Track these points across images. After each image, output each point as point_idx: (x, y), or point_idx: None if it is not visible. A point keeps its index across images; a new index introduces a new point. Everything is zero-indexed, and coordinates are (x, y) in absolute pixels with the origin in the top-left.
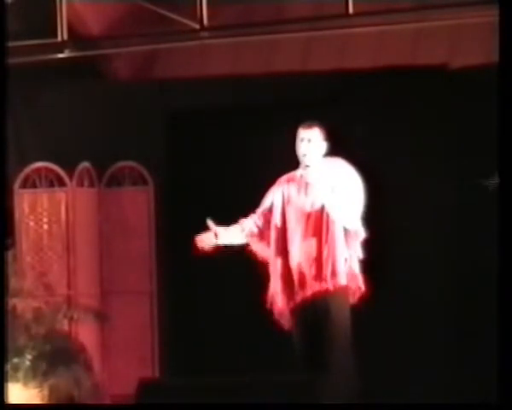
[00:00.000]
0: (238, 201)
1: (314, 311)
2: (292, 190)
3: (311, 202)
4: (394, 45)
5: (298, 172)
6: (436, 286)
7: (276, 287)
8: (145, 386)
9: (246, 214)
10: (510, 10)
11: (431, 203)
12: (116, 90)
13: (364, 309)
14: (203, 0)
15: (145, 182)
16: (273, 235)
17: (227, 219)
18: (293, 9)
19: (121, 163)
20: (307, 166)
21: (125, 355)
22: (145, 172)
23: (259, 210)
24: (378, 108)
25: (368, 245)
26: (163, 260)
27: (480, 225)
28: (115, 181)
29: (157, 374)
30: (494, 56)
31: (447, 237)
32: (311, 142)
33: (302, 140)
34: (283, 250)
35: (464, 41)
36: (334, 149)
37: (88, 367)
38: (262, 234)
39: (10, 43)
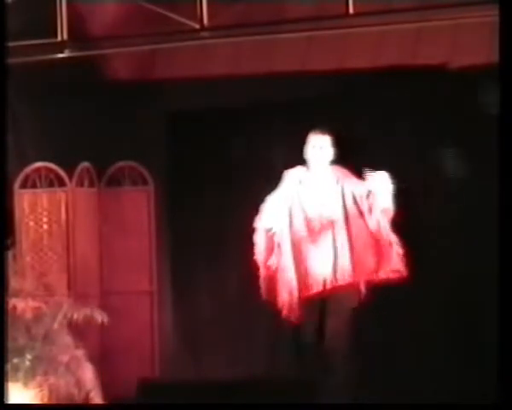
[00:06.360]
0: (238, 200)
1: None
2: (303, 193)
3: (323, 205)
4: (394, 45)
5: (307, 176)
6: (436, 286)
7: (290, 288)
8: (145, 386)
9: (246, 214)
10: (510, 10)
11: (431, 203)
12: (116, 90)
13: (364, 310)
14: (203, 0)
15: (145, 182)
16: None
17: (227, 219)
18: (293, 9)
19: (121, 163)
20: (318, 171)
21: (125, 355)
22: (145, 172)
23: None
24: (378, 108)
25: None
26: (163, 260)
27: (480, 225)
28: (115, 181)
29: (157, 374)
30: (494, 56)
31: (448, 238)
32: (322, 149)
33: (314, 147)
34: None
35: (464, 41)
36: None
37: (88, 367)
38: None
39: (10, 43)
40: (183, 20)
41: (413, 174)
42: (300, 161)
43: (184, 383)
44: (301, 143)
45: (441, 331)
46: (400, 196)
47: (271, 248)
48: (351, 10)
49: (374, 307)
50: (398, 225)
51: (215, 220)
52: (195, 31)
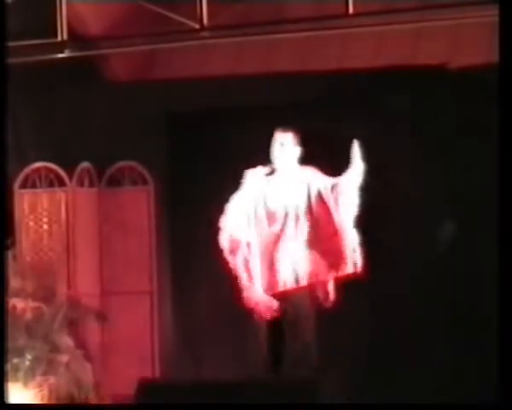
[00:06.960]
0: None
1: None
2: (268, 192)
3: (286, 201)
4: (394, 45)
5: (268, 175)
6: (435, 285)
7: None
8: (145, 386)
9: None
10: (510, 10)
11: (430, 204)
12: (116, 90)
13: (362, 308)
14: (203, 0)
15: (145, 182)
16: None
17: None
18: (293, 9)
19: (121, 163)
20: (278, 169)
21: (125, 355)
22: (145, 172)
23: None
24: (378, 108)
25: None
26: (163, 259)
27: (480, 225)
28: (115, 181)
29: (157, 374)
30: (494, 56)
31: (450, 237)
32: (283, 145)
33: (279, 145)
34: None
35: (464, 41)
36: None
37: (88, 367)
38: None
39: (10, 43)
40: (183, 20)
41: (413, 174)
42: (300, 160)
43: (184, 383)
44: (301, 142)
45: (441, 331)
46: (399, 195)
47: (236, 249)
48: (351, 10)
49: (373, 307)
50: (398, 224)
51: (215, 220)
52: (195, 31)
